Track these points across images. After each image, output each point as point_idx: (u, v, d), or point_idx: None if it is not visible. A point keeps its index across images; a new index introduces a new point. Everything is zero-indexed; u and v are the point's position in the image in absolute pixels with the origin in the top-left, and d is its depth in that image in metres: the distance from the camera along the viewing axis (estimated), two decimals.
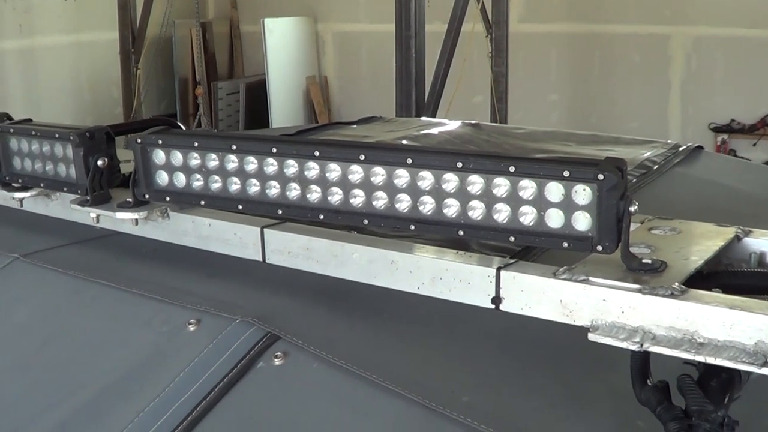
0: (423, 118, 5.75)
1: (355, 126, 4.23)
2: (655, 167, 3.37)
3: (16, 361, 2.02)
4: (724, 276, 1.71)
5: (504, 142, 3.74)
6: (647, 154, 3.54)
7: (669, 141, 3.91)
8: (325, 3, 13.98)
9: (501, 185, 1.63)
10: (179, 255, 2.18)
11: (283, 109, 13.15)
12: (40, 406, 1.84)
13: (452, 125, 4.06)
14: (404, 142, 3.54)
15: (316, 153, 1.81)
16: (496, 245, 2.07)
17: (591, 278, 1.57)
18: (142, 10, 11.44)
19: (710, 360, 1.41)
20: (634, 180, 3.14)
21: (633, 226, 1.82)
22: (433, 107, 8.51)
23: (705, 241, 1.80)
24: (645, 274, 1.57)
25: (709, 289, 1.55)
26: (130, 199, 2.14)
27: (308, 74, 13.81)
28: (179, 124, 3.62)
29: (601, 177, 1.53)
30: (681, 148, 3.73)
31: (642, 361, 1.52)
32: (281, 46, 13.21)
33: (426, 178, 1.70)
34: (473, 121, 4.19)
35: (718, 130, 12.05)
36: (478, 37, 9.99)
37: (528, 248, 2.11)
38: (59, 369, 1.94)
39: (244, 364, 1.68)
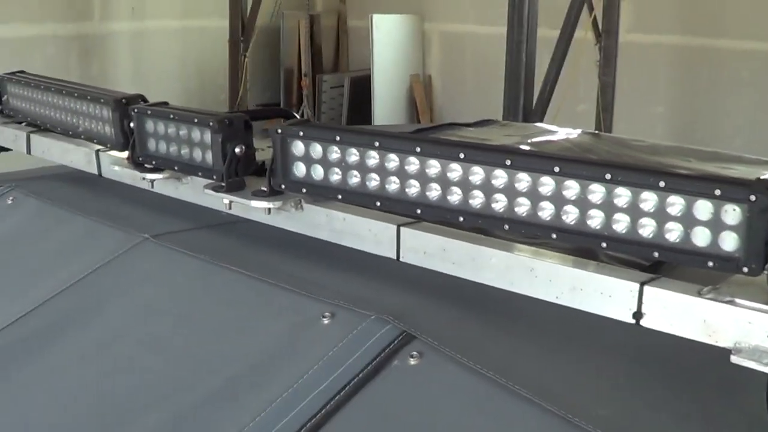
0: (538, 124, 5.71)
1: (472, 128, 4.23)
2: None
3: (146, 339, 2.05)
4: None
5: (625, 154, 3.70)
6: None
7: None
8: (434, 2, 13.97)
9: (648, 200, 1.61)
10: (307, 247, 2.19)
11: (386, 106, 13.18)
12: (171, 386, 1.86)
13: (571, 133, 4.03)
14: (523, 147, 3.53)
15: (461, 155, 1.81)
16: (622, 258, 2.05)
17: (737, 300, 1.55)
18: (253, 0, 11.56)
19: None
20: None
21: None
22: (541, 113, 8.46)
23: None
24: None
25: None
26: (265, 188, 2.16)
27: (412, 72, 13.81)
28: (296, 115, 3.66)
29: (753, 198, 1.50)
30: None
31: None
32: (387, 42, 13.23)
33: (571, 188, 1.69)
34: (593, 131, 4.17)
35: None
36: (585, 46, 9.93)
37: (656, 264, 2.08)
38: (190, 351, 1.96)
39: (379, 361, 1.68)
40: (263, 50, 13.17)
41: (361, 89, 13.25)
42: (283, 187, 2.12)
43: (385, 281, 2.03)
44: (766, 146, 11.85)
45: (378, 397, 1.65)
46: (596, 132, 4.14)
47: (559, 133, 4.03)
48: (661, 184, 1.59)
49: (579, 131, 4.10)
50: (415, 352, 1.68)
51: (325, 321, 1.83)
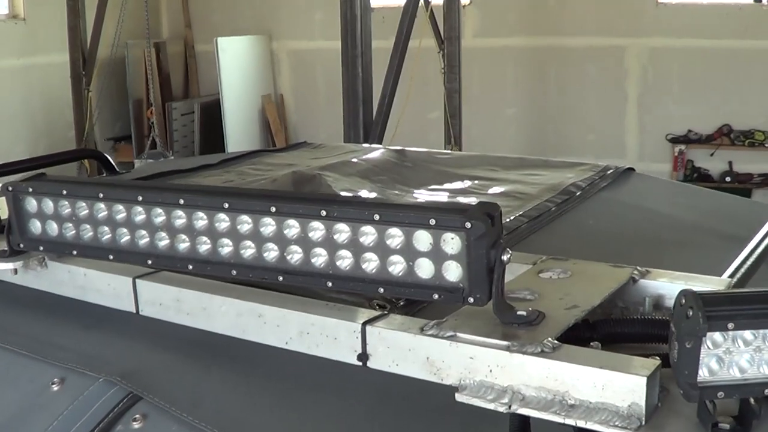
0: (350, 144, 5.66)
1: (282, 153, 4.16)
2: (579, 192, 3.29)
3: None
4: (609, 325, 1.64)
5: (427, 168, 3.68)
6: (573, 179, 3.46)
7: (600, 163, 3.84)
8: (280, 21, 13.89)
9: (368, 234, 1.55)
10: (59, 306, 2.08)
11: (239, 129, 13.05)
12: None
13: (376, 152, 3.99)
14: (324, 171, 3.47)
15: (181, 201, 1.72)
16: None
17: (459, 334, 1.49)
18: (93, 32, 11.27)
19: (581, 423, 1.34)
20: (554, 208, 3.06)
21: (524, 268, 1.76)
22: (381, 126, 8.41)
23: (595, 285, 1.72)
24: (519, 327, 1.49)
25: (590, 341, 1.48)
26: (6, 248, 2.05)
27: (264, 93, 13.71)
28: (105, 155, 3.52)
29: (468, 225, 1.45)
30: (610, 171, 3.66)
31: (521, 421, 1.43)
32: (235, 65, 13.10)
33: (293, 227, 1.61)
34: (397, 147, 4.13)
35: (675, 140, 12.06)
36: (431, 53, 9.94)
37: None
38: None
39: (103, 426, 1.59)
40: (109, 82, 12.87)
41: (213, 114, 13.08)
42: (21, 245, 2.00)
43: (128, 338, 1.93)
44: (617, 138, 12.06)
45: None
46: (401, 149, 4.08)
47: (366, 152, 3.99)
48: (377, 216, 1.53)
49: (383, 149, 4.06)
50: (138, 415, 1.59)
51: (55, 387, 1.73)
